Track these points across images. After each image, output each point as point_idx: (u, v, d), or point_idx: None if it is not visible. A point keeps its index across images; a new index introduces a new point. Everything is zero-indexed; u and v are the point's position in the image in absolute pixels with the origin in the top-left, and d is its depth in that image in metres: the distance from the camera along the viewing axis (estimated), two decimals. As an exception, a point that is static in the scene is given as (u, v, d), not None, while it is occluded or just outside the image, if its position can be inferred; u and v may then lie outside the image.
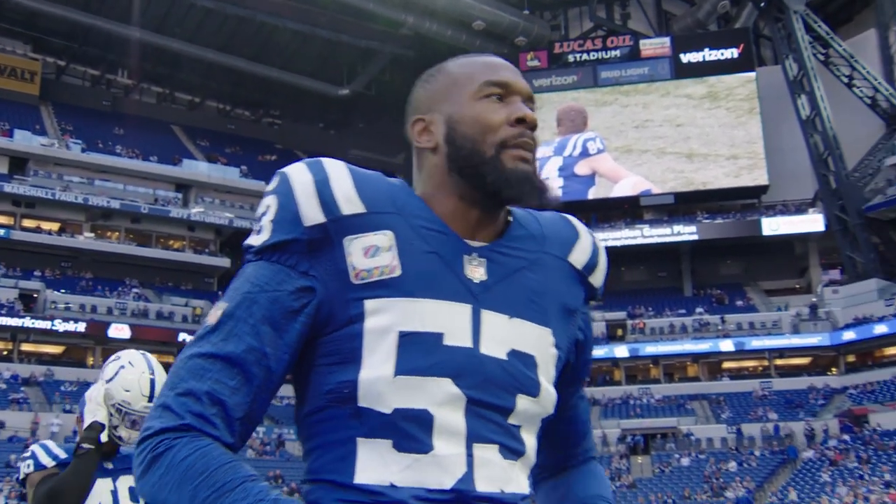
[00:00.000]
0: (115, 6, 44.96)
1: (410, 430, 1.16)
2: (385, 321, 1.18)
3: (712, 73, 45.53)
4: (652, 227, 44.37)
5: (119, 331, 38.64)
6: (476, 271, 1.24)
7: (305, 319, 1.19)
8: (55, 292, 39.38)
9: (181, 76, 52.10)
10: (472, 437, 1.19)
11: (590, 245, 1.40)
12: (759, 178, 44.12)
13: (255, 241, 1.25)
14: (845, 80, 42.33)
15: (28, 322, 37.25)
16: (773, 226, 42.78)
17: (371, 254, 1.20)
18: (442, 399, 1.17)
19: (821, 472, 31.50)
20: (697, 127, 45.10)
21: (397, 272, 1.19)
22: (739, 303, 43.60)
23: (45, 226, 42.38)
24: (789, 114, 42.81)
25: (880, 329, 37.19)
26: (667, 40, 47.09)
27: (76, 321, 38.12)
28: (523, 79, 1.32)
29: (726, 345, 40.02)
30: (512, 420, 1.23)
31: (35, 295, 38.74)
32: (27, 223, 42.00)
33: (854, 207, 40.12)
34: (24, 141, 42.72)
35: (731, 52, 45.58)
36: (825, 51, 42.71)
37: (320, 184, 1.21)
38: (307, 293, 1.20)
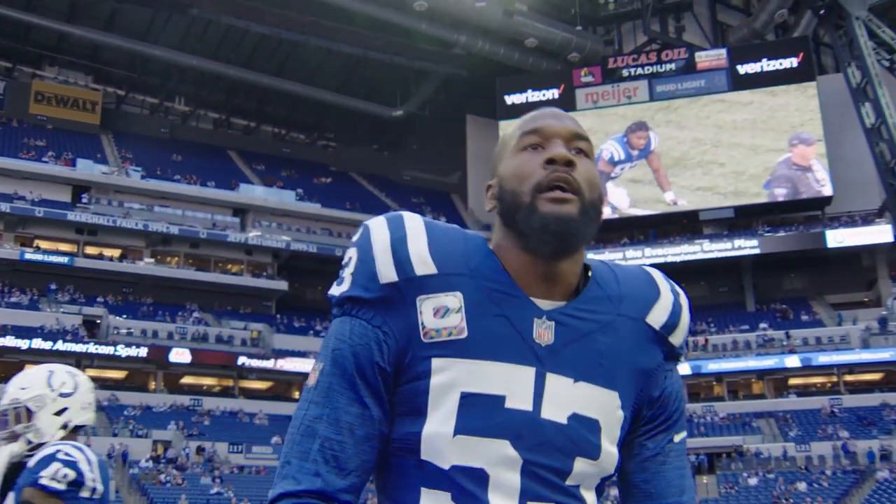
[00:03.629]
0: (172, 35, 45.90)
1: (467, 486, 1.20)
2: (449, 380, 1.22)
3: (771, 83, 44.75)
4: (712, 242, 43.61)
5: (180, 355, 39.11)
6: (544, 335, 1.25)
7: (387, 370, 1.24)
8: (117, 318, 40.01)
9: (237, 102, 52.91)
10: (527, 496, 1.21)
11: (671, 303, 1.36)
12: (822, 189, 43.09)
13: (335, 290, 1.29)
14: (912, 86, 41.17)
15: (92, 348, 37.88)
16: (838, 238, 41.69)
17: (441, 314, 1.23)
18: (498, 460, 1.21)
19: (897, 493, 30.37)
20: (757, 138, 44.33)
21: (464, 334, 1.22)
22: (805, 317, 42.49)
23: (107, 252, 43.13)
24: (853, 123, 41.80)
25: (955, 342, 35.90)
26: (723, 52, 46.41)
27: (138, 346, 38.65)
28: (568, 119, 1.32)
29: (792, 361, 38.99)
30: (570, 481, 1.25)
31: (98, 321, 39.36)
32: (90, 250, 42.80)
33: (924, 217, 38.91)
34: (85, 169, 43.63)
35: (791, 62, 44.73)
36: (890, 56, 41.64)
37: (396, 242, 1.25)
38: (385, 346, 1.24)
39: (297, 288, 46.49)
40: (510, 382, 1.22)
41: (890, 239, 40.77)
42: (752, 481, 33.26)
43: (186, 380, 40.93)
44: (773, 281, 44.98)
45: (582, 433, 1.25)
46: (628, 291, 1.33)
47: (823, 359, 38.78)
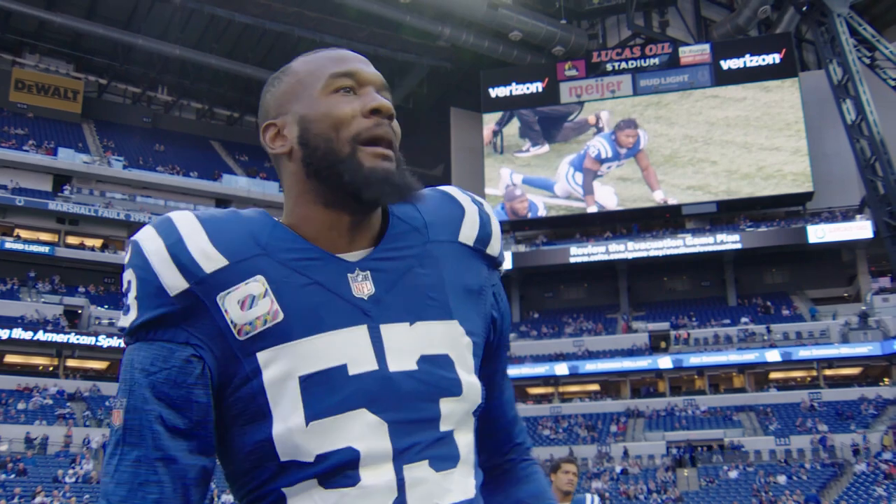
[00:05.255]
0: (154, 24, 45.55)
1: (336, 469, 1.12)
2: (282, 370, 1.13)
3: (754, 79, 44.96)
4: (694, 237, 43.79)
5: (161, 346, 38.89)
6: (363, 287, 1.18)
7: (203, 388, 1.15)
8: (99, 308, 39.78)
9: (220, 92, 52.59)
10: (400, 460, 1.14)
11: (477, 216, 1.33)
12: (803, 184, 43.38)
13: (125, 321, 1.17)
14: (893, 82, 41.45)
15: (73, 338, 37.64)
16: (818, 233, 41.98)
17: (248, 305, 1.14)
18: (362, 431, 1.13)
19: (875, 486, 30.67)
20: (739, 134, 44.54)
21: (280, 317, 1.14)
22: (786, 312, 42.79)
23: (89, 242, 42.85)
24: (834, 119, 42.05)
25: (933, 338, 36.27)
26: (706, 47, 46.57)
27: (120, 337, 38.36)
28: (373, 68, 1.26)
29: (773, 355, 39.25)
30: (443, 427, 1.18)
31: (79, 311, 39.13)
32: (71, 240, 42.50)
33: (903, 213, 39.21)
34: (67, 159, 43.30)
35: (773, 58, 44.95)
36: (871, 54, 41.88)
37: (173, 247, 1.14)
38: (195, 362, 1.14)
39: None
40: (346, 348, 1.14)
41: (869, 235, 41.08)
42: (733, 474, 33.51)
43: (168, 371, 40.73)
44: (754, 276, 45.26)
45: (436, 373, 1.19)
46: (432, 217, 1.29)
47: (803, 353, 39.07)
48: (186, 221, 1.16)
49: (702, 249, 43.44)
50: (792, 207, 44.80)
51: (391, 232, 1.25)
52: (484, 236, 1.32)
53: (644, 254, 43.66)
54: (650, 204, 45.25)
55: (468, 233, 1.31)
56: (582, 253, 44.37)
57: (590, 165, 45.92)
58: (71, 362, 38.62)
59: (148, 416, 1.12)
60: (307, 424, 1.11)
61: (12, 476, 28.84)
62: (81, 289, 40.84)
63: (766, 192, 43.81)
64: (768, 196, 43.94)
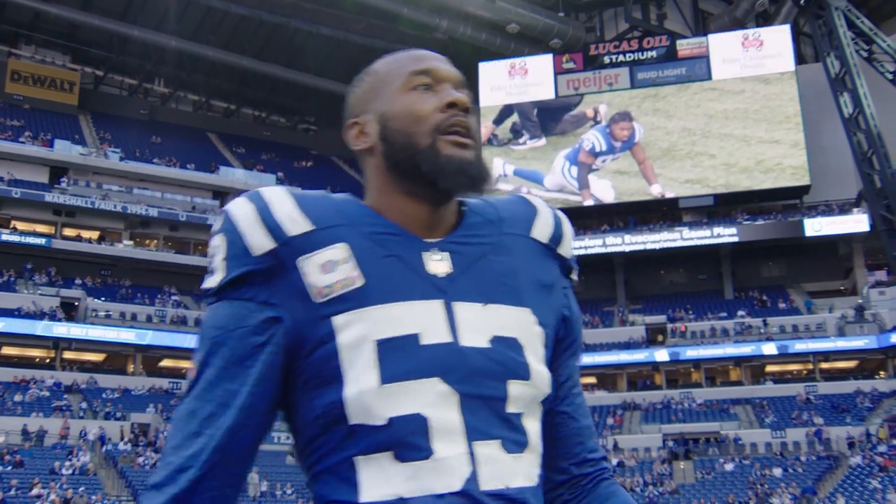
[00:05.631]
0: (151, 16, 45.44)
1: (408, 438, 1.13)
2: (358, 333, 1.15)
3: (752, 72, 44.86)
4: (691, 230, 43.81)
5: (158, 338, 38.89)
6: (439, 266, 1.23)
7: (274, 349, 1.17)
8: (95, 300, 39.73)
9: (217, 84, 52.48)
10: (472, 435, 1.16)
11: (551, 217, 1.37)
12: (800, 178, 43.38)
13: (210, 283, 1.22)
14: (890, 76, 41.45)
15: (70, 330, 37.56)
16: (815, 226, 42.02)
17: (329, 269, 1.18)
18: (433, 399, 1.15)
19: (870, 479, 30.77)
20: (736, 127, 44.48)
21: (359, 282, 1.17)
22: (782, 305, 42.86)
23: (85, 234, 42.79)
24: (831, 112, 42.03)
25: (929, 331, 36.34)
26: (704, 40, 46.50)
27: (116, 328, 38.38)
28: (452, 66, 1.31)
29: (769, 348, 39.33)
30: (511, 408, 1.20)
31: (76, 303, 39.07)
32: (67, 232, 42.43)
33: (900, 207, 39.25)
34: (63, 150, 43.20)
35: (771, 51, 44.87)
36: (868, 47, 41.86)
37: (263, 211, 1.19)
38: (272, 323, 1.17)
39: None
40: (420, 319, 1.18)
41: (866, 228, 41.12)
42: (729, 467, 33.60)
43: (165, 363, 40.76)
44: (751, 269, 45.29)
45: (507, 353, 1.21)
46: (506, 214, 1.33)
47: (800, 346, 39.15)
48: (275, 191, 1.23)
49: (699, 242, 43.47)
50: (789, 201, 44.80)
51: (466, 222, 1.29)
52: (557, 235, 1.36)
53: (641, 247, 43.68)
54: (647, 197, 45.22)
55: (541, 230, 1.34)
56: (579, 246, 44.32)
57: (584, 159, 45.86)
58: (68, 354, 38.59)
59: (214, 372, 1.16)
60: (380, 386, 1.13)
61: (9, 468, 28.86)
62: (78, 281, 40.76)
63: (765, 185, 43.78)
64: (765, 189, 43.92)
